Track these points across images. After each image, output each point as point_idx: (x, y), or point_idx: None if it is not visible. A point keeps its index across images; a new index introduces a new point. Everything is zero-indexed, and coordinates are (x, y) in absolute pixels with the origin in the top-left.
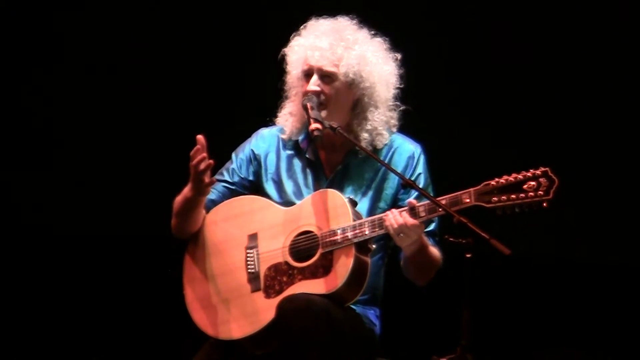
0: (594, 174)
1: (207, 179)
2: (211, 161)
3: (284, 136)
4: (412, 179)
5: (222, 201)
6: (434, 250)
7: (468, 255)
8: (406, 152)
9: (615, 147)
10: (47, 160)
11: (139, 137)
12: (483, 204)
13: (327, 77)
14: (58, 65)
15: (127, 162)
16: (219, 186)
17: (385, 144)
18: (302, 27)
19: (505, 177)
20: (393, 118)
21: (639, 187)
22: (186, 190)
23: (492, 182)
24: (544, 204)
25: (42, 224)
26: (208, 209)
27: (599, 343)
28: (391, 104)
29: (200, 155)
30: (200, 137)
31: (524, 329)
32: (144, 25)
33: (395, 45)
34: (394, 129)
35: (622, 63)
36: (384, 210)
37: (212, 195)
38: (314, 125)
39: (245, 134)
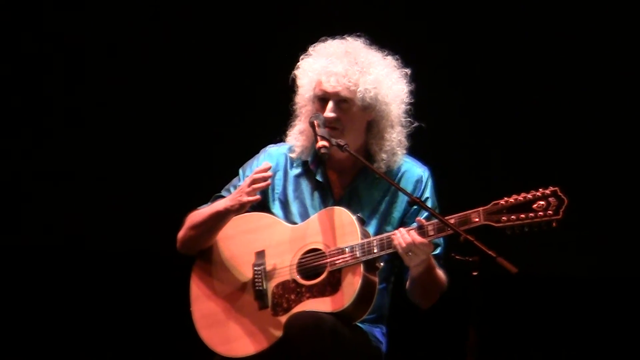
0: (600, 191)
1: (254, 196)
2: (269, 182)
3: (292, 155)
4: None
5: None
6: (440, 273)
7: (474, 274)
8: (414, 175)
9: (623, 166)
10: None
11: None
12: (492, 224)
13: (343, 102)
14: (69, 71)
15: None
16: None
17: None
18: (310, 48)
19: (514, 196)
20: (404, 135)
21: None
22: (220, 204)
23: (502, 202)
24: (554, 224)
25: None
26: None
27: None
28: (403, 119)
29: (267, 174)
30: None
31: (530, 347)
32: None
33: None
34: (404, 149)
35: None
36: None
37: None
38: (321, 143)
39: (251, 147)
